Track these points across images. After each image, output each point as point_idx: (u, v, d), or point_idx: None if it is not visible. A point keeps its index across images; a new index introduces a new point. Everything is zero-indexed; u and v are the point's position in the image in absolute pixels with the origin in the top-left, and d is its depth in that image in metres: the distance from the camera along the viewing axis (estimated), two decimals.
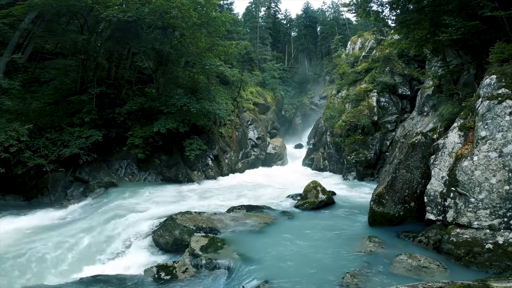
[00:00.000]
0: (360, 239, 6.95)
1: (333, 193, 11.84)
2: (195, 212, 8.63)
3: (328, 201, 10.40)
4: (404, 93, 18.06)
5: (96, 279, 5.78)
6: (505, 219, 5.65)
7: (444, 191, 6.61)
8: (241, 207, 9.64)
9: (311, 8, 50.77)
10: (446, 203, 6.51)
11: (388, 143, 16.71)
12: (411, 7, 10.65)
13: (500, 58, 6.99)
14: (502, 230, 5.61)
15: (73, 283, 5.72)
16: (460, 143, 6.93)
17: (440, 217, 6.61)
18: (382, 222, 7.68)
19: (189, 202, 11.22)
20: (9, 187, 11.67)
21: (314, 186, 10.98)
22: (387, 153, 16.29)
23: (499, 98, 6.21)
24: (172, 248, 7.27)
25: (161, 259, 7.00)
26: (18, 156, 11.31)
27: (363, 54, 22.34)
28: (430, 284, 3.72)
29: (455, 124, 7.43)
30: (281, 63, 39.84)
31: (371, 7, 11.79)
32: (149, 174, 14.74)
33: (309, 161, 22.67)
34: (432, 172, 7.05)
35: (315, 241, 6.97)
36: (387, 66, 18.57)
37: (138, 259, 7.02)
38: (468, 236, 5.85)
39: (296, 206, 10.31)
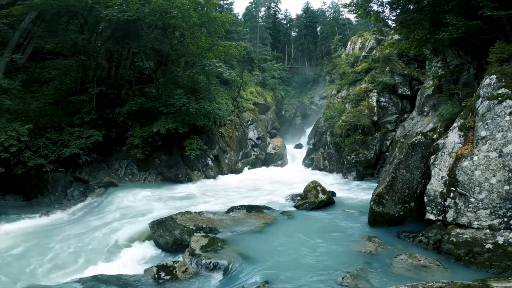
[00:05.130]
0: (360, 239, 6.94)
1: (333, 193, 11.83)
2: (195, 212, 8.62)
3: (328, 201, 10.40)
4: (404, 93, 18.05)
5: (96, 279, 5.78)
6: (505, 219, 5.64)
7: (444, 191, 6.61)
8: (241, 207, 9.63)
9: (311, 8, 50.75)
10: (446, 203, 6.50)
11: (388, 143, 16.71)
12: (411, 7, 10.64)
13: (500, 58, 6.98)
14: (502, 230, 5.60)
15: (73, 283, 5.71)
16: (460, 143, 6.92)
17: (440, 217, 6.61)
18: (382, 222, 7.67)
19: (189, 202, 11.22)
20: (9, 187, 11.67)
21: (314, 186, 10.98)
22: (387, 153, 16.29)
23: (499, 98, 6.21)
24: (172, 248, 7.27)
25: (161, 259, 7.00)
26: (18, 156, 11.31)
27: (363, 54, 22.35)
28: (430, 284, 3.72)
29: (455, 124, 7.42)
30: (281, 63, 39.82)
31: (372, 7, 11.79)
32: (149, 174, 14.74)
33: (309, 161, 22.66)
34: (432, 172, 7.05)
35: (315, 241, 6.97)
36: (387, 66, 18.57)
37: (138, 259, 7.02)
38: (468, 236, 5.85)
39: (296, 206, 10.31)
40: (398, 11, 11.26)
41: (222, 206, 10.30)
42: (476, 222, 5.93)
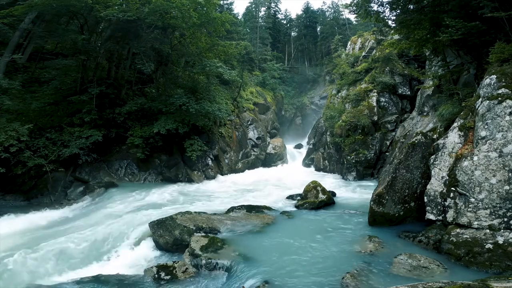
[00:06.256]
0: (360, 239, 6.94)
1: (333, 193, 11.83)
2: (195, 212, 8.63)
3: (328, 201, 10.40)
4: (404, 93, 18.05)
5: (96, 279, 5.78)
6: (505, 219, 5.65)
7: (444, 191, 6.61)
8: (241, 207, 9.64)
9: (311, 8, 50.79)
10: (446, 203, 6.51)
11: (388, 143, 16.71)
12: (411, 7, 10.65)
13: (500, 58, 6.98)
14: (502, 230, 5.61)
15: (73, 283, 5.72)
16: (460, 143, 6.92)
17: (440, 217, 6.61)
18: (382, 222, 7.67)
19: (189, 202, 11.22)
20: (9, 187, 11.67)
21: (314, 186, 10.98)
22: (387, 153, 16.29)
23: (499, 98, 6.21)
24: (172, 248, 7.27)
25: (161, 259, 6.99)
26: (18, 156, 11.31)
27: (363, 54, 22.34)
28: (430, 284, 3.72)
29: (455, 124, 7.43)
30: (281, 63, 39.84)
31: (372, 7, 11.79)
32: (149, 174, 14.74)
33: (309, 161, 22.67)
34: (432, 172, 7.05)
35: (315, 241, 6.97)
36: (387, 66, 18.56)
37: (138, 259, 7.02)
38: (468, 236, 5.85)
39: (296, 206, 10.31)
40: (398, 11, 11.26)
41: (222, 206, 10.31)
42: (476, 222, 5.93)
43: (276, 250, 6.50)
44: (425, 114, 14.44)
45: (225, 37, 22.33)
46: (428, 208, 6.87)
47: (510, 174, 5.73)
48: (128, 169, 14.48)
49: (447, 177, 6.65)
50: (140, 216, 9.10)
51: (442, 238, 6.24)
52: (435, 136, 8.55)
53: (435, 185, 6.83)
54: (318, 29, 49.47)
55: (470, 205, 6.07)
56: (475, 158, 6.21)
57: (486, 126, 6.26)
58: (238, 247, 6.59)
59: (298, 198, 11.30)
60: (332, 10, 48.75)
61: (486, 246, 5.53)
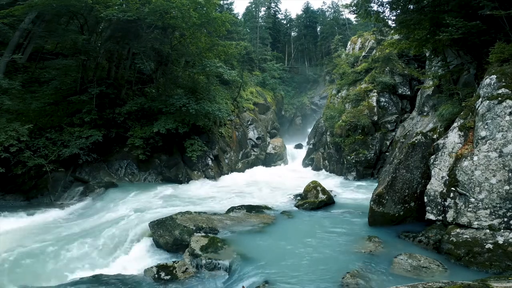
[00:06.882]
0: (360, 239, 6.95)
1: (333, 193, 11.83)
2: (195, 212, 8.63)
3: (328, 201, 10.40)
4: (404, 93, 18.05)
5: (96, 279, 5.79)
6: (505, 219, 5.65)
7: (444, 191, 6.61)
8: (241, 207, 9.64)
9: (311, 8, 50.82)
10: (446, 203, 6.51)
11: (388, 143, 16.70)
12: (411, 7, 10.65)
13: (500, 58, 6.99)
14: (502, 230, 5.61)
15: (73, 283, 5.72)
16: (460, 143, 6.93)
17: (440, 217, 6.61)
18: (382, 222, 7.68)
19: (189, 202, 11.22)
20: (9, 187, 11.66)
21: (314, 186, 10.99)
22: (387, 153, 16.29)
23: (499, 98, 6.21)
24: (172, 248, 7.27)
25: (161, 259, 7.00)
26: (18, 156, 11.30)
27: (363, 54, 22.32)
28: (430, 284, 3.72)
29: (455, 124, 7.43)
30: (281, 63, 39.84)
31: (372, 7, 11.80)
32: (149, 174, 14.74)
33: (309, 161, 22.66)
34: (432, 172, 7.05)
35: (315, 241, 6.97)
36: (387, 66, 18.55)
37: (138, 259, 7.02)
38: (468, 236, 5.85)
39: (296, 206, 10.31)
40: (398, 11, 11.26)
41: (222, 206, 10.31)
42: (476, 222, 5.93)
43: (276, 250, 6.51)
44: (425, 114, 14.43)
45: (225, 37, 22.31)
46: (428, 208, 6.88)
47: (510, 174, 5.73)
48: (128, 169, 14.48)
49: (447, 177, 6.65)
50: (140, 216, 9.10)
51: (442, 238, 6.25)
52: (435, 136, 8.55)
53: (435, 185, 6.83)
54: (318, 29, 49.50)
55: (470, 205, 6.07)
56: (475, 158, 6.22)
57: (486, 126, 6.26)
58: (238, 247, 6.60)
59: (298, 198, 11.30)
60: (332, 10, 48.84)
61: (486, 246, 5.53)
